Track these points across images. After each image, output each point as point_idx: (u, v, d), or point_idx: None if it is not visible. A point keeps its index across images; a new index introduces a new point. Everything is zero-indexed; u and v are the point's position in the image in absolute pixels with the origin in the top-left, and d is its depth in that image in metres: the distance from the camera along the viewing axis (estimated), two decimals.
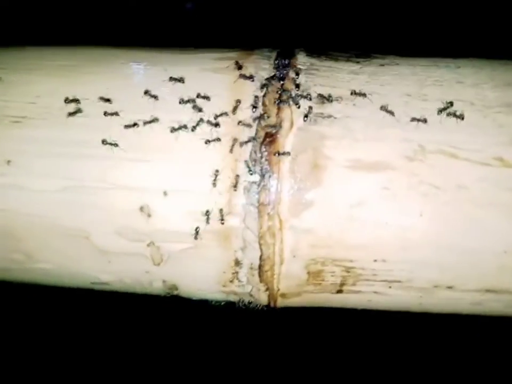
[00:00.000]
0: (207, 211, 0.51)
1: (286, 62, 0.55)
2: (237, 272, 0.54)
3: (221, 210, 0.51)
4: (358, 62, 0.56)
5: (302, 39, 1.30)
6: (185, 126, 0.51)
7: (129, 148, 0.52)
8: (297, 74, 0.54)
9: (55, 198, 0.53)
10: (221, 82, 0.54)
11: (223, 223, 0.51)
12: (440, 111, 0.50)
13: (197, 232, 0.52)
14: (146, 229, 0.53)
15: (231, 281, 0.55)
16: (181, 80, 0.53)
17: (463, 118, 0.50)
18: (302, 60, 0.56)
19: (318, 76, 0.54)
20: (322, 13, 1.43)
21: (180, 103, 0.52)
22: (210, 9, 1.55)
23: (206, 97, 0.52)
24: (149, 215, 0.52)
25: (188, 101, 0.52)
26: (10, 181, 0.54)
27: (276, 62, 0.56)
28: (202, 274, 0.55)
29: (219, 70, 0.56)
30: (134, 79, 0.55)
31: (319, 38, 1.31)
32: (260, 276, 0.53)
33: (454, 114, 0.50)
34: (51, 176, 0.53)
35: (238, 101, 0.52)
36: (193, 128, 0.51)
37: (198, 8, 1.58)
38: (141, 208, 0.52)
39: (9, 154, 0.54)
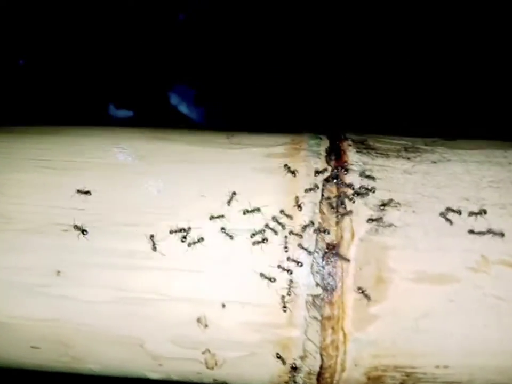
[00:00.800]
0: (267, 322, 0.50)
1: (338, 162, 0.54)
2: (293, 376, 0.53)
3: (280, 321, 0.50)
4: (408, 159, 0.55)
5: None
6: (241, 236, 0.50)
7: (183, 259, 0.51)
8: (351, 175, 0.53)
9: (107, 308, 0.52)
10: (274, 186, 0.53)
11: (282, 335, 0.50)
12: None
13: (256, 343, 0.51)
14: (202, 338, 0.52)
15: (286, 383, 0.55)
16: (234, 194, 0.51)
17: None
18: (352, 158, 0.55)
19: (373, 177, 0.53)
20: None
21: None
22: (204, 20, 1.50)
23: (260, 208, 0.51)
24: (206, 326, 0.51)
25: (245, 212, 0.51)
26: (60, 292, 0.52)
27: (328, 160, 0.55)
28: (257, 377, 0.55)
29: (270, 170, 0.55)
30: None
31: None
32: (318, 381, 0.53)
33: None
34: (102, 287, 0.52)
35: (296, 206, 0.51)
36: (251, 237, 0.50)
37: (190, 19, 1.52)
38: (198, 320, 0.51)
39: (59, 264, 0.52)
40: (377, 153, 0.56)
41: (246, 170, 0.55)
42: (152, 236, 0.51)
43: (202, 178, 0.54)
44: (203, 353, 0.53)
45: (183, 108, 1.50)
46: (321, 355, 0.51)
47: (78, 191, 0.53)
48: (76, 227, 0.52)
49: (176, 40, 1.51)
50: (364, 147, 0.56)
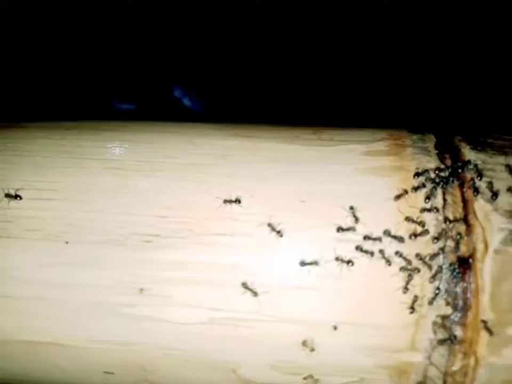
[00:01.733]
0: (383, 346, 0.44)
1: (455, 161, 0.47)
2: None
3: (400, 345, 0.44)
4: None
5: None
6: (363, 254, 0.44)
7: (293, 275, 0.44)
8: (475, 177, 0.46)
9: (199, 330, 0.45)
10: (382, 190, 0.47)
11: (401, 359, 0.44)
12: None
13: (368, 368, 0.45)
14: (307, 363, 0.46)
15: None
16: (352, 209, 0.45)
17: None
18: (469, 155, 0.48)
19: (497, 178, 0.46)
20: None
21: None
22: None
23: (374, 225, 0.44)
24: (312, 350, 0.45)
25: (357, 219, 0.44)
26: (145, 312, 0.45)
27: (442, 159, 0.48)
28: None
29: (375, 171, 0.48)
30: None
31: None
32: None
33: None
34: (193, 307, 0.45)
35: (412, 220, 0.45)
36: (371, 256, 0.43)
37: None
38: (303, 343, 0.45)
39: (141, 281, 0.45)
40: (493, 150, 0.49)
41: (349, 172, 0.48)
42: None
43: (299, 181, 0.47)
44: (304, 378, 0.47)
45: (187, 101, 1.45)
46: (444, 382, 0.44)
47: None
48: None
49: (178, 33, 1.45)
50: (478, 143, 0.49)
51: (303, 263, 0.43)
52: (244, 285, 0.44)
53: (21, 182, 0.48)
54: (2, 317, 0.47)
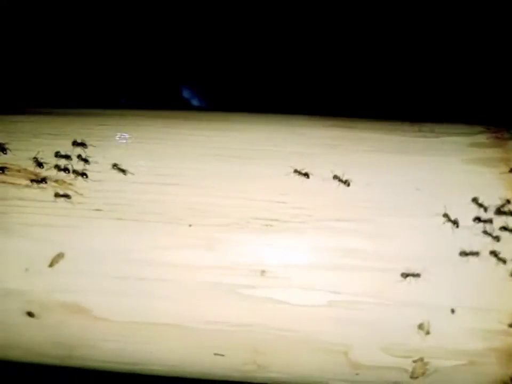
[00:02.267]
0: (500, 329, 0.46)
1: None
2: None
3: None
4: None
5: None
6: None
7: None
8: None
9: (317, 312, 0.47)
10: (491, 180, 0.48)
11: None
12: None
13: (479, 351, 0.46)
14: (419, 346, 0.47)
15: None
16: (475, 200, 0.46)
17: None
18: None
19: None
20: None
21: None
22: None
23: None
24: (428, 333, 0.46)
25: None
26: (264, 294, 0.47)
27: None
28: None
29: (482, 162, 0.50)
30: None
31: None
32: None
33: None
34: (315, 290, 0.46)
35: None
36: (496, 241, 0.45)
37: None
38: (420, 326, 0.46)
39: (264, 263, 0.47)
40: None
41: (457, 162, 0.50)
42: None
43: (411, 170, 0.49)
44: (414, 361, 0.48)
45: (195, 102, 1.47)
46: None
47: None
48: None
49: (187, 33, 1.46)
50: None
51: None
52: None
53: (139, 167, 0.49)
54: (120, 298, 0.48)
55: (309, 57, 1.17)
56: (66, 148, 0.51)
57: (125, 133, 0.51)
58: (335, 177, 0.47)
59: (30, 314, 0.49)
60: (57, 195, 0.48)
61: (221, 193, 0.48)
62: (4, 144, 0.51)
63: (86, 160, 0.49)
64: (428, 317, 0.46)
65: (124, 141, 0.51)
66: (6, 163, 0.50)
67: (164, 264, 0.47)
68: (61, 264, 0.47)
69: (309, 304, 0.47)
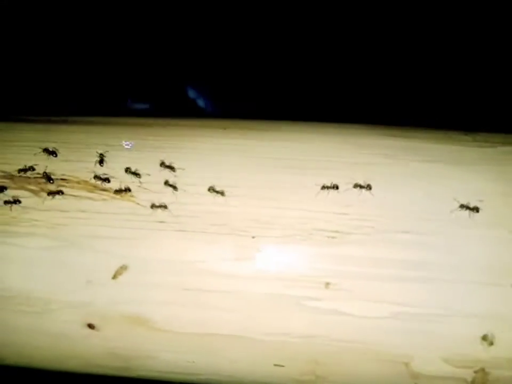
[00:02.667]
0: None
1: None
2: None
3: None
4: None
5: None
6: None
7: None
8: None
9: (380, 324, 0.47)
10: None
11: None
12: None
13: None
14: (481, 356, 0.48)
15: None
16: None
17: None
18: None
19: None
20: None
21: None
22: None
23: None
24: (491, 344, 0.47)
25: None
26: (329, 306, 0.47)
27: None
28: None
29: None
30: None
31: None
32: None
33: None
34: (378, 301, 0.47)
35: None
36: None
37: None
38: (484, 337, 0.47)
39: (327, 275, 0.47)
40: None
41: None
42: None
43: (473, 180, 0.49)
44: (475, 372, 0.48)
45: (201, 102, 1.47)
46: None
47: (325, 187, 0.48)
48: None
49: (193, 34, 1.47)
50: None
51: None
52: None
53: (200, 179, 0.49)
54: (183, 310, 0.48)
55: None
56: (126, 159, 0.50)
57: (187, 143, 0.51)
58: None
59: (91, 326, 0.49)
60: (153, 206, 0.48)
61: (283, 205, 0.48)
62: (54, 149, 0.51)
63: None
64: (492, 328, 0.46)
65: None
66: (64, 174, 0.50)
67: (227, 275, 0.47)
68: (124, 276, 0.47)
69: (373, 315, 0.47)
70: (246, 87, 1.40)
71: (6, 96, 1.28)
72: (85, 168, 0.51)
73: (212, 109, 1.44)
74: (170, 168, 0.49)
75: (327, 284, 0.47)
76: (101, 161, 0.50)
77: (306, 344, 0.48)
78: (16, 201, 0.50)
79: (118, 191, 0.49)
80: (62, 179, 0.50)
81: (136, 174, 0.49)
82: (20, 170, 0.51)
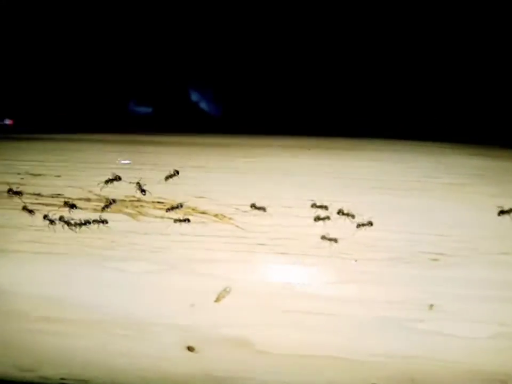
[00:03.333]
0: None
1: None
2: None
3: None
4: None
5: None
6: None
7: None
8: None
9: (483, 344, 0.47)
10: None
11: None
12: None
13: None
14: None
15: None
16: None
17: None
18: None
19: None
20: None
21: None
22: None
23: None
24: None
25: None
26: (432, 327, 0.47)
27: None
28: None
29: None
30: None
31: None
32: None
33: None
34: (480, 322, 0.47)
35: None
36: None
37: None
38: None
39: (432, 297, 0.47)
40: None
41: None
42: None
43: None
44: None
45: (204, 105, 1.48)
46: None
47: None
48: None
49: (194, 36, 1.47)
50: None
51: None
52: None
53: (301, 201, 0.50)
54: (286, 332, 0.48)
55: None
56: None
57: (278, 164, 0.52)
58: (502, 211, 0.48)
59: (190, 348, 0.49)
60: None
61: (385, 227, 0.48)
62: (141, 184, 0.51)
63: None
64: None
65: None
66: (161, 197, 0.51)
67: (331, 298, 0.47)
68: (227, 299, 0.48)
69: (475, 336, 0.47)
70: (249, 90, 1.40)
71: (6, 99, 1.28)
72: (182, 190, 0.51)
73: (215, 112, 1.45)
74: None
75: (431, 306, 0.47)
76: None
77: (406, 363, 0.49)
78: (103, 221, 0.50)
79: (215, 214, 0.49)
80: (158, 202, 0.50)
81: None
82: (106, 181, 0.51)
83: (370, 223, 0.48)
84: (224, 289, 0.48)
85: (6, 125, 1.30)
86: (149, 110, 1.44)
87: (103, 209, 0.49)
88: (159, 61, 1.42)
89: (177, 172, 0.51)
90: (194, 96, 1.46)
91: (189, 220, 0.49)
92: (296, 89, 1.36)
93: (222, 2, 1.39)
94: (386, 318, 0.47)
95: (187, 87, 1.45)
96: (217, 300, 0.48)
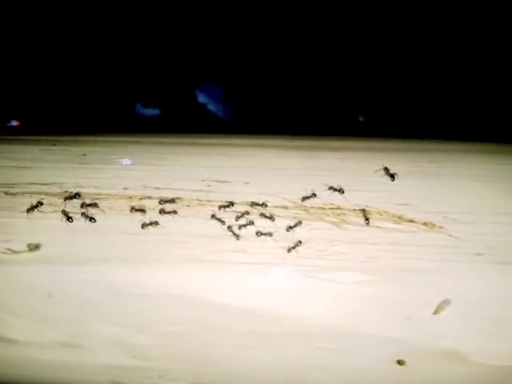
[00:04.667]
0: None
1: None
2: None
3: None
4: None
5: None
6: None
7: None
8: None
9: None
10: None
11: None
12: None
13: None
14: None
15: None
16: None
17: None
18: None
19: None
20: None
21: None
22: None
23: None
24: None
25: None
26: None
27: None
28: None
29: None
30: None
31: None
32: None
33: None
34: None
35: None
36: None
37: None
38: None
39: None
40: None
41: None
42: None
43: None
44: None
45: (211, 106, 1.48)
46: None
47: None
48: None
49: (200, 38, 1.47)
50: None
51: None
52: None
53: None
54: (499, 342, 0.47)
55: None
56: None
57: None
58: None
59: (400, 362, 0.47)
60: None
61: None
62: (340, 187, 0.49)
63: None
64: None
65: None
66: (341, 206, 0.49)
67: None
68: (445, 311, 0.46)
69: None
70: (256, 91, 1.39)
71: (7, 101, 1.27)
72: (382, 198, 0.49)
73: (222, 113, 1.43)
74: None
75: None
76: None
77: None
78: (267, 233, 0.48)
79: (425, 223, 0.47)
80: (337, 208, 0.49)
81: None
82: (303, 198, 0.49)
83: None
84: (444, 301, 0.46)
85: (13, 126, 1.29)
86: (156, 112, 1.43)
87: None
88: (166, 63, 1.41)
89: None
90: (201, 98, 1.45)
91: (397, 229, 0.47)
92: (304, 90, 1.34)
93: (228, 4, 1.38)
94: None
95: (194, 88, 1.44)
96: (436, 312, 0.46)
